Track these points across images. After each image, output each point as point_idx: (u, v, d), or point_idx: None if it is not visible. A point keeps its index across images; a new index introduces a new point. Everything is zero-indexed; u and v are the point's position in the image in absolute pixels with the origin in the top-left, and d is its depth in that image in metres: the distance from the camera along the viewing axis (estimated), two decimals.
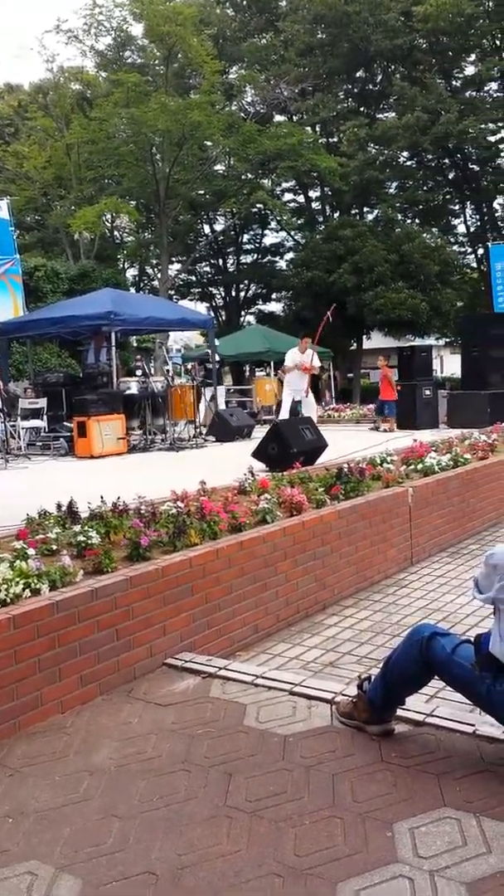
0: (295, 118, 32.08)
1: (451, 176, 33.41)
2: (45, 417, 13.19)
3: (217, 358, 16.49)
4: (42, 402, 13.24)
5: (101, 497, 5.01)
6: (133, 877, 2.29)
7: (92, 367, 13.80)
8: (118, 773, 2.93)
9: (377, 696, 3.13)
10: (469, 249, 34.55)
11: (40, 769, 2.98)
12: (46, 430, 13.16)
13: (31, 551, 3.88)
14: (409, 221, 32.47)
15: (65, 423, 12.83)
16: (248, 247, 38.52)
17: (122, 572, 3.91)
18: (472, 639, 3.01)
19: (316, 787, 2.76)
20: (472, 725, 3.15)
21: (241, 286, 38.05)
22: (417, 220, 32.94)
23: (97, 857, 2.40)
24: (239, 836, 2.47)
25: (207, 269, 38.90)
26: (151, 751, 3.09)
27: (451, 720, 3.20)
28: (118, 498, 5.02)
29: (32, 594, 3.51)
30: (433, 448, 8.39)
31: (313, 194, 35.98)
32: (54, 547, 4.23)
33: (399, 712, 3.22)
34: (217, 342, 17.70)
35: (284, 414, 13.07)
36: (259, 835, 2.48)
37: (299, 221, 34.82)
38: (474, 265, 33.90)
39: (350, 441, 11.01)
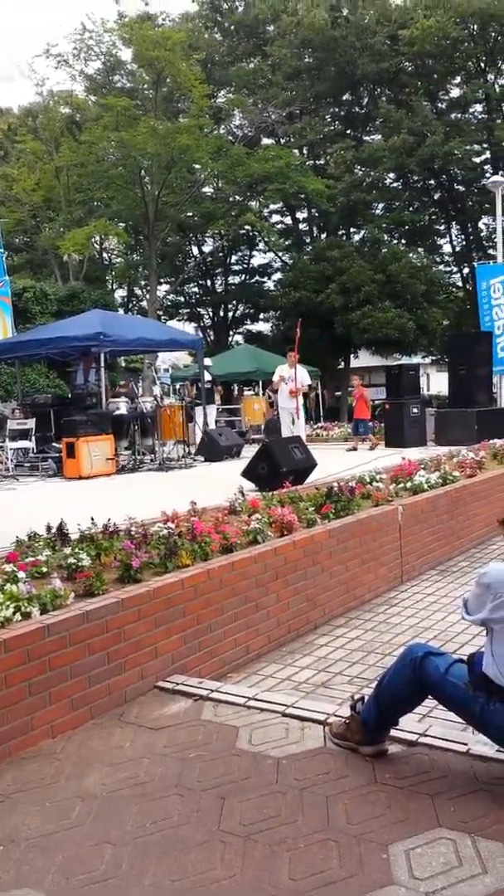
0: (282, 141, 32.38)
1: (436, 197, 33.77)
2: (33, 438, 13.15)
3: (208, 377, 16.49)
4: (31, 423, 13.20)
5: (92, 519, 5.00)
6: None
7: (81, 387, 13.79)
8: (110, 798, 2.90)
9: (371, 716, 3.12)
10: (455, 269, 34.90)
11: (31, 795, 2.95)
12: (35, 450, 13.11)
13: (21, 574, 3.86)
14: (395, 242, 32.78)
15: (53, 444, 12.79)
16: (236, 268, 38.73)
17: (113, 594, 3.89)
18: (465, 658, 3.01)
19: (310, 809, 2.74)
20: (466, 744, 3.14)
21: (230, 306, 38.22)
22: (404, 241, 33.23)
23: (90, 885, 2.37)
24: (233, 861, 2.45)
25: (196, 289, 39.06)
26: (143, 775, 3.07)
27: (444, 739, 3.20)
28: (108, 519, 5.01)
29: (23, 618, 3.48)
30: (422, 466, 8.41)
31: (301, 216, 36.27)
32: (45, 569, 4.21)
33: (392, 732, 3.21)
34: (209, 361, 17.74)
35: (286, 431, 12.86)
36: (253, 859, 2.46)
37: (287, 242, 35.06)
38: (460, 284, 34.21)
39: (339, 460, 11.03)
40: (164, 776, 3.05)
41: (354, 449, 14.00)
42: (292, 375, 12.77)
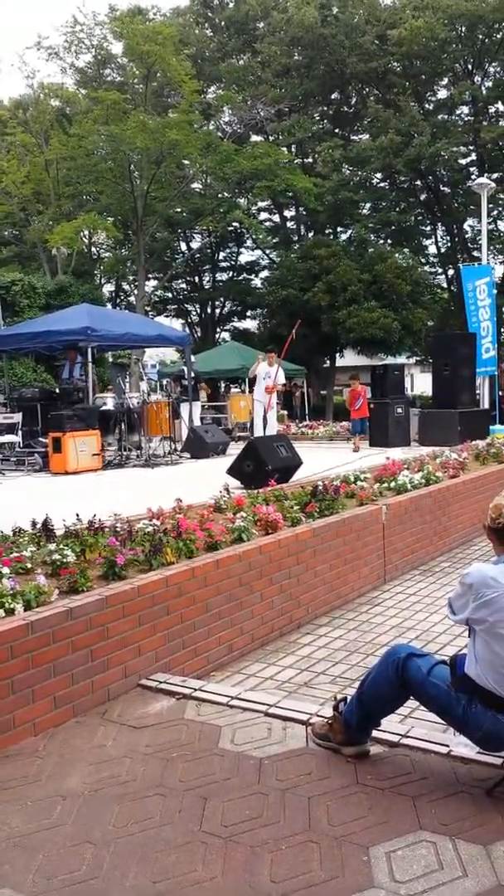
0: (271, 138, 32.37)
1: (422, 198, 33.88)
2: (19, 433, 13.08)
3: (193, 374, 16.51)
4: (17, 417, 13.13)
5: (77, 515, 4.98)
6: None
7: (67, 382, 13.72)
8: (92, 797, 2.89)
9: (353, 717, 3.13)
10: (440, 270, 35.03)
11: (12, 794, 2.93)
12: (21, 445, 13.04)
13: (5, 570, 3.84)
14: (381, 242, 32.88)
15: (40, 439, 12.73)
16: (223, 264, 38.73)
17: (97, 592, 3.87)
18: (448, 659, 3.03)
19: (292, 810, 2.75)
20: (447, 746, 3.15)
21: (217, 303, 38.19)
22: (390, 241, 33.31)
23: (71, 885, 2.36)
24: (214, 863, 2.45)
25: (184, 285, 39.01)
26: (126, 774, 3.06)
27: (425, 741, 3.21)
28: (94, 515, 4.99)
29: (6, 614, 3.46)
30: (406, 466, 8.43)
31: (288, 214, 36.32)
32: (29, 565, 4.19)
33: (374, 733, 3.22)
34: (193, 359, 17.71)
35: (258, 427, 13.65)
36: (235, 861, 2.46)
37: (274, 240, 35.07)
38: (445, 285, 34.34)
39: (324, 458, 11.05)
40: (146, 776, 3.04)
41: (357, 449, 13.31)
42: (271, 374, 13.91)
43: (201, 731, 3.42)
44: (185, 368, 16.58)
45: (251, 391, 18.21)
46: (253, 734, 3.37)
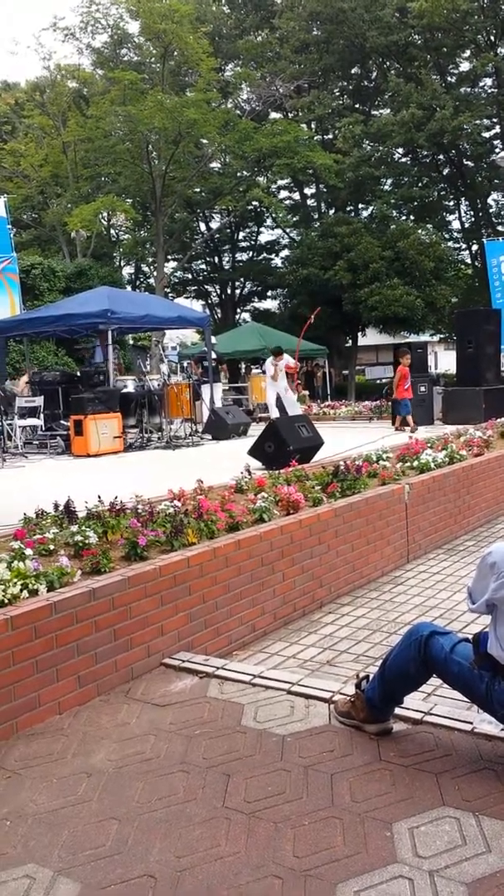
0: (290, 115, 32.05)
1: (445, 172, 33.44)
2: (41, 416, 13.17)
3: (214, 355, 16.56)
4: (39, 401, 13.22)
5: (99, 496, 5.01)
6: (132, 880, 2.29)
7: (101, 365, 13.80)
8: (116, 774, 2.92)
9: (375, 695, 3.13)
10: (463, 246, 34.60)
11: (38, 771, 2.97)
12: (43, 428, 13.13)
13: (28, 551, 3.87)
14: (403, 218, 32.49)
15: (62, 422, 12.81)
16: (243, 244, 38.52)
17: (120, 572, 3.90)
18: (470, 638, 3.01)
19: (314, 787, 2.76)
20: (470, 723, 3.15)
21: (237, 284, 38.04)
22: (412, 217, 32.93)
23: (96, 860, 2.39)
24: (238, 838, 2.47)
25: (203, 266, 38.87)
26: (150, 752, 3.09)
27: (449, 718, 3.21)
28: (115, 497, 5.01)
29: (30, 595, 3.50)
30: (429, 445, 8.38)
31: (308, 191, 35.98)
32: (52, 547, 4.22)
33: (397, 711, 3.22)
34: (214, 340, 17.73)
35: (273, 410, 13.96)
36: (258, 836, 2.48)
37: (294, 219, 34.81)
38: (468, 261, 33.93)
39: (345, 438, 11.01)
40: (169, 753, 3.07)
41: (415, 430, 12.31)
42: (280, 365, 14.86)
43: (224, 709, 3.44)
44: (206, 350, 16.59)
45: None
46: (275, 712, 3.39)
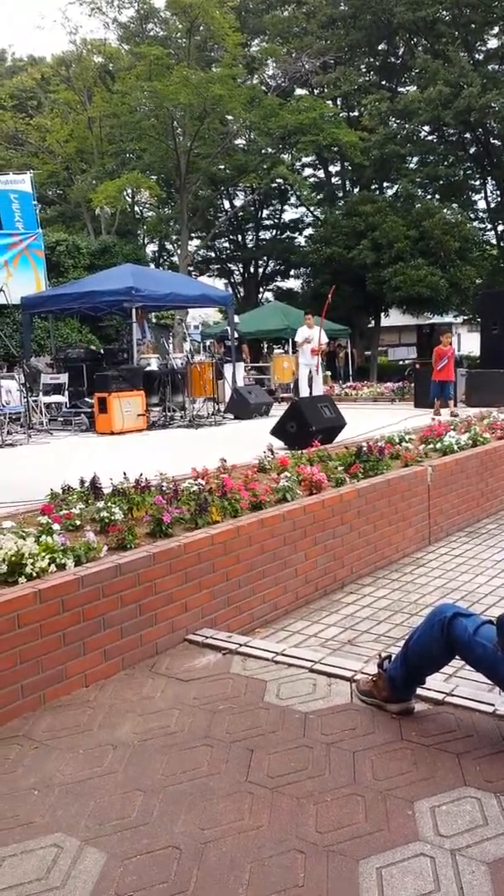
0: (316, 92, 31.70)
1: (472, 151, 32.93)
2: (66, 393, 13.25)
3: (237, 334, 16.53)
4: (64, 378, 13.29)
5: (124, 473, 5.04)
6: (157, 851, 2.33)
7: (140, 342, 13.85)
8: (142, 747, 2.97)
9: (398, 675, 3.15)
10: (489, 226, 34.12)
11: (65, 742, 3.03)
12: (68, 405, 13.22)
13: (55, 526, 3.92)
14: (429, 197, 32.09)
15: (86, 399, 12.88)
16: (267, 222, 38.27)
17: (145, 548, 3.94)
18: (494, 619, 3.02)
19: (337, 764, 2.79)
20: (492, 705, 3.16)
21: (260, 262, 37.85)
22: (437, 196, 32.52)
23: (122, 831, 2.44)
24: (261, 812, 2.51)
25: (227, 244, 38.68)
26: (174, 725, 3.13)
27: (470, 699, 3.22)
28: (140, 474, 5.05)
29: (58, 569, 3.55)
30: (452, 427, 8.35)
31: (333, 169, 35.64)
32: (78, 522, 4.27)
33: (419, 691, 3.24)
34: (237, 319, 17.70)
35: (304, 388, 13.87)
36: (281, 811, 2.51)
37: (319, 197, 34.50)
38: (494, 241, 33.50)
39: (368, 419, 10.99)
40: (193, 727, 3.11)
41: (437, 413, 11.94)
42: (313, 336, 14.23)
43: (247, 686, 3.48)
44: (228, 329, 16.57)
45: (294, 352, 18.29)
46: (298, 689, 3.42)
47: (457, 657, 3.09)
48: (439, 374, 12.82)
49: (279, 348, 24.86)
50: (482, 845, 2.30)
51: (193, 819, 2.49)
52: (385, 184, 33.62)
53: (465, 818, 2.43)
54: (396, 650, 3.35)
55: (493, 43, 31.03)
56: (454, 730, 3.02)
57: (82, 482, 5.09)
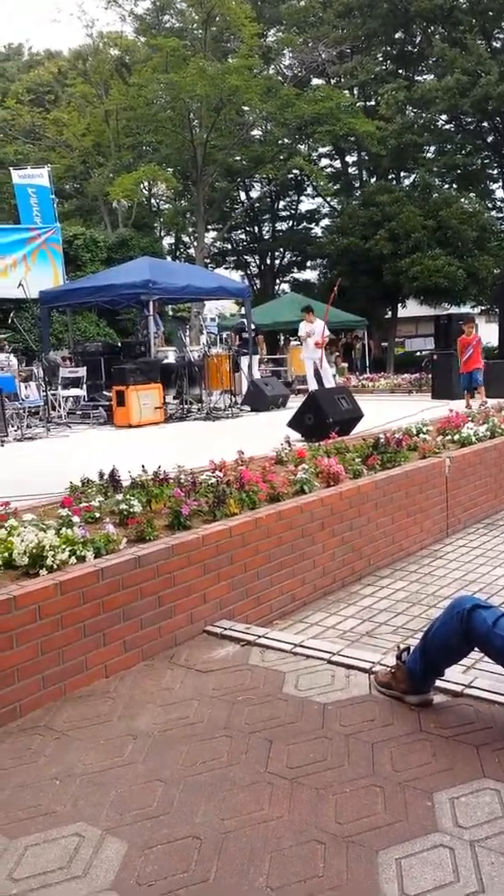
0: (333, 81, 31.54)
1: (489, 139, 32.67)
2: (84, 386, 13.30)
3: (253, 326, 16.53)
4: (82, 371, 13.34)
5: (143, 466, 5.07)
6: (177, 840, 2.35)
7: (156, 335, 13.91)
8: (161, 737, 2.99)
9: (416, 666, 3.15)
10: None
11: (86, 732, 3.06)
12: (86, 399, 13.27)
13: (75, 519, 3.95)
14: (446, 186, 31.86)
15: (104, 392, 12.93)
16: (283, 214, 38.16)
17: (164, 541, 3.96)
18: None
19: (356, 755, 2.80)
20: None
21: (277, 254, 37.76)
22: (455, 185, 32.29)
23: (142, 821, 2.46)
24: (280, 803, 2.52)
25: (243, 236, 38.63)
26: (193, 716, 3.15)
27: (489, 692, 3.22)
28: (158, 467, 5.07)
29: (78, 561, 3.58)
30: (470, 418, 8.31)
31: (350, 159, 35.47)
32: (97, 515, 4.29)
33: (437, 683, 3.24)
34: (253, 311, 17.71)
35: (311, 381, 13.94)
36: (300, 801, 2.53)
37: (335, 187, 34.34)
38: None
39: (385, 411, 10.95)
40: (213, 718, 3.13)
41: (468, 406, 11.22)
42: (315, 331, 14.31)
43: (265, 677, 3.49)
44: (245, 321, 16.56)
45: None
46: (316, 680, 3.43)
47: (476, 649, 3.09)
48: (466, 366, 12.33)
49: (296, 340, 24.81)
50: (501, 836, 2.30)
51: (213, 809, 2.50)
52: (402, 173, 33.39)
53: (485, 809, 2.44)
54: (415, 642, 3.35)
55: None
56: (473, 721, 3.02)
57: (101, 475, 5.12)
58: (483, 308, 33.49)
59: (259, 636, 3.94)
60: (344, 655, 3.67)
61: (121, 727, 3.09)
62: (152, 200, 36.36)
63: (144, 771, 2.76)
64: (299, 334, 15.27)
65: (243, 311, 17.98)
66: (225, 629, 4.04)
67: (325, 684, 3.40)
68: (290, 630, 4.41)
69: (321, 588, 5.02)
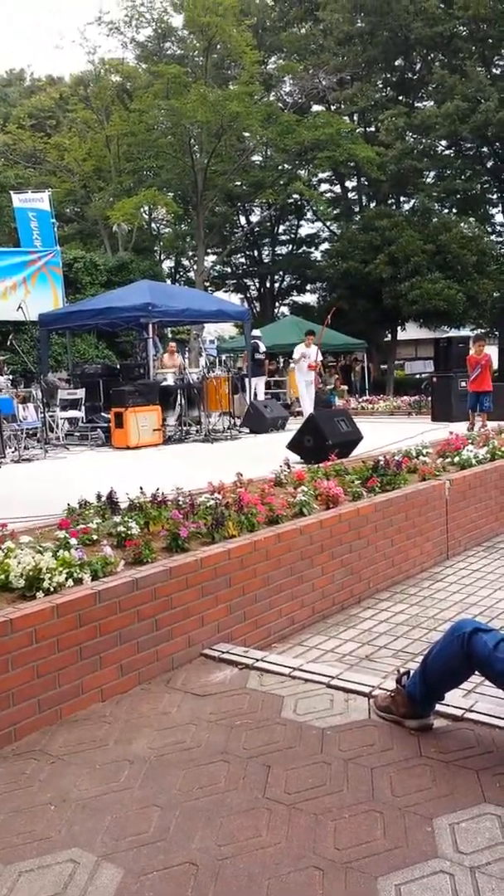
0: (333, 108, 31.86)
1: (489, 165, 32.96)
2: (83, 408, 13.32)
3: (263, 348, 16.94)
4: (80, 393, 13.36)
5: (141, 488, 5.06)
6: (174, 867, 2.32)
7: (154, 358, 13.97)
8: (158, 762, 2.96)
9: (416, 690, 3.12)
10: None
11: (81, 757, 3.02)
12: (84, 420, 13.28)
13: (73, 541, 3.93)
14: (446, 211, 32.11)
15: (102, 414, 12.95)
16: (283, 238, 38.39)
17: (162, 563, 3.94)
18: None
19: (355, 780, 2.77)
20: None
21: (276, 277, 37.96)
22: (454, 210, 32.53)
23: (138, 847, 2.43)
24: (278, 828, 2.49)
25: (243, 260, 38.84)
26: (190, 741, 3.12)
27: (490, 716, 3.19)
28: (157, 489, 5.06)
29: (75, 583, 3.56)
30: (470, 441, 8.31)
31: (350, 184, 35.73)
32: (95, 537, 4.27)
33: (437, 707, 3.21)
34: (258, 333, 17.89)
35: (307, 403, 14.24)
36: (298, 827, 2.49)
37: (335, 212, 34.59)
38: None
39: (385, 433, 10.95)
40: (210, 742, 3.10)
41: (471, 427, 11.46)
42: (309, 354, 15.18)
43: (264, 701, 3.46)
44: (257, 342, 16.79)
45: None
46: (315, 705, 3.40)
47: (476, 673, 3.06)
48: (474, 384, 12.09)
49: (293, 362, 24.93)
50: (502, 863, 2.27)
51: (210, 835, 2.47)
52: (402, 198, 33.65)
53: (485, 835, 2.40)
54: (415, 666, 3.32)
55: None
56: (473, 746, 2.98)
57: (99, 497, 5.11)
58: (483, 331, 33.65)
59: (257, 659, 3.91)
60: (343, 679, 3.63)
61: (117, 752, 3.05)
62: (152, 224, 36.60)
63: (140, 796, 2.72)
64: (293, 356, 15.84)
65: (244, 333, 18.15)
66: (223, 652, 4.01)
67: (324, 708, 3.37)
68: (288, 653, 4.37)
69: (320, 611, 5.00)
